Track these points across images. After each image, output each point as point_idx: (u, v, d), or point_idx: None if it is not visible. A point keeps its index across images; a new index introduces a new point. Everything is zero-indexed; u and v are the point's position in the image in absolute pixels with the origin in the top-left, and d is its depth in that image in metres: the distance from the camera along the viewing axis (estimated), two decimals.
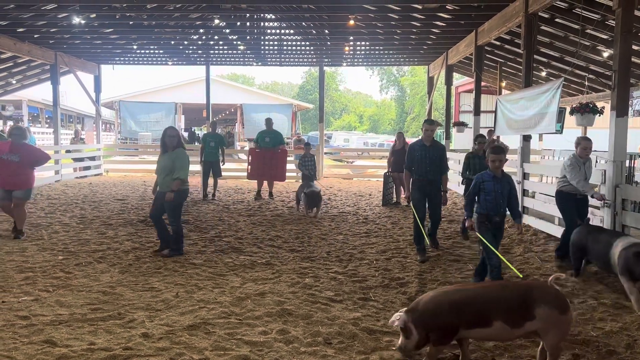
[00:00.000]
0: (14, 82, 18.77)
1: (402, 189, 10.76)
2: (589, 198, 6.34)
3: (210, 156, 12.01)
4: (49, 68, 16.52)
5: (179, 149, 6.73)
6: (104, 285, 5.31)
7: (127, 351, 3.71)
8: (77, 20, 11.82)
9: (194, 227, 8.53)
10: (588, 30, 10.11)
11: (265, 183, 12.50)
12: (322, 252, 6.96)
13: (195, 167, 11.94)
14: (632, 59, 6.85)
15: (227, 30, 14.22)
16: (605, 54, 11.69)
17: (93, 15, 12.13)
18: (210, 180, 12.20)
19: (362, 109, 70.61)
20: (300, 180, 12.20)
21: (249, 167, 12.29)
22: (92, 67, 18.64)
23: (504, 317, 3.41)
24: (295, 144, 20.56)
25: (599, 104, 9.60)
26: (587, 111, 8.93)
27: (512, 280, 5.39)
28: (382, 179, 12.02)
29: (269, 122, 12.51)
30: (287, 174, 17.59)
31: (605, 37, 10.45)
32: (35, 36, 13.98)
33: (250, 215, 9.91)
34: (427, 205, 6.83)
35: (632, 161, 8.95)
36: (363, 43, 15.62)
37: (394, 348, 3.85)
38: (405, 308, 3.71)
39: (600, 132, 11.31)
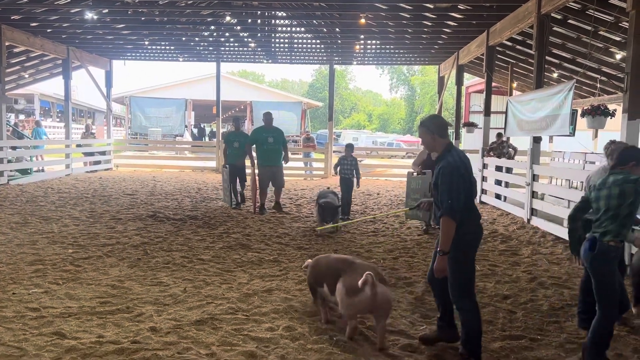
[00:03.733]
0: (26, 76, 18.95)
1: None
2: None
3: (235, 158, 10.31)
4: (61, 62, 16.65)
5: None
6: (113, 279, 5.36)
7: (135, 344, 3.74)
8: (89, 15, 11.91)
9: (203, 224, 8.57)
10: (601, 32, 10.04)
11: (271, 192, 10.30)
12: (329, 250, 6.97)
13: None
14: None
15: (238, 27, 14.26)
16: (618, 56, 11.60)
17: (105, 11, 12.23)
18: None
19: (371, 108, 70.50)
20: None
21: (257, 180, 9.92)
22: (104, 62, 18.77)
23: (328, 283, 4.12)
24: (304, 142, 20.56)
25: (611, 107, 9.53)
26: (598, 114, 8.89)
27: None
28: (406, 180, 9.22)
29: (268, 117, 10.01)
30: (295, 172, 17.77)
31: (618, 39, 10.38)
32: (48, 31, 14.09)
33: (259, 212, 9.94)
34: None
35: None
36: (374, 42, 15.60)
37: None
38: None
39: (612, 134, 11.21)
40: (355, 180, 9.61)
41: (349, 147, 9.96)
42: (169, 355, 3.59)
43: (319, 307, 4.40)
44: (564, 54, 13.02)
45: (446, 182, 3.60)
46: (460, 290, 3.65)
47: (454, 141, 15.57)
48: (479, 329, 3.69)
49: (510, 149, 12.55)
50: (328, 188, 9.57)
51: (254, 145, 9.96)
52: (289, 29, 15.07)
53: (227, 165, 10.36)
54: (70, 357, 3.55)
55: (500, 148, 12.46)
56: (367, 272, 3.74)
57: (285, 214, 9.82)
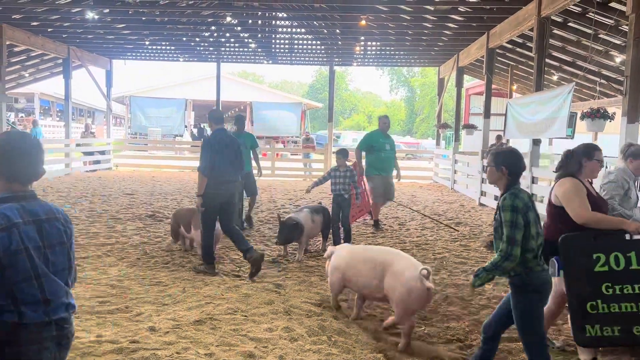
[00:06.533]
0: (26, 75, 18.95)
1: None
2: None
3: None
4: (62, 62, 16.65)
5: None
6: (112, 279, 5.36)
7: (133, 344, 3.75)
8: (90, 15, 11.92)
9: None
10: (601, 35, 10.06)
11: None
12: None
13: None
14: None
15: (239, 28, 14.28)
16: (618, 59, 11.63)
17: (106, 11, 12.24)
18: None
19: (371, 109, 70.42)
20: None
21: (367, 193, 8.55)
22: (104, 62, 18.78)
23: (184, 224, 6.50)
24: (304, 143, 20.59)
25: (610, 110, 9.55)
26: (597, 117, 8.89)
27: None
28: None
29: (386, 120, 8.90)
30: (295, 172, 17.79)
31: (618, 42, 10.40)
32: (49, 30, 14.10)
33: (258, 212, 9.94)
34: None
35: None
36: (374, 43, 15.62)
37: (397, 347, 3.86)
38: None
39: (611, 137, 11.23)
40: (354, 194, 7.28)
41: (342, 154, 7.33)
42: (167, 355, 3.59)
43: (180, 241, 6.75)
44: (564, 57, 13.05)
45: (202, 149, 5.73)
46: (202, 225, 5.76)
47: (454, 143, 15.61)
48: (206, 250, 5.73)
49: None
50: (319, 203, 7.86)
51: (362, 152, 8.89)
52: (289, 29, 15.08)
53: None
54: (69, 356, 3.54)
55: None
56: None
57: (285, 214, 9.78)
